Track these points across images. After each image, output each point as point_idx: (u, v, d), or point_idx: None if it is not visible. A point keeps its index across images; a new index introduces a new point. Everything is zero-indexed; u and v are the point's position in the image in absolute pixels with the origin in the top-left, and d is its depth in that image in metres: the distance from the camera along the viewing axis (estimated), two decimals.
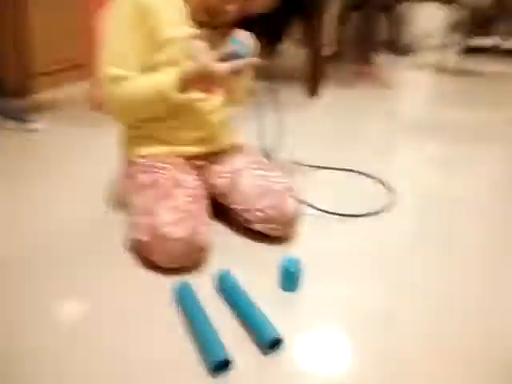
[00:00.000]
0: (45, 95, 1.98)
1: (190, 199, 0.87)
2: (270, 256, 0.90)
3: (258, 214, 0.93)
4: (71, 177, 1.26)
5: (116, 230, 0.98)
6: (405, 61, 3.38)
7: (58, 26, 2.11)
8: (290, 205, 0.93)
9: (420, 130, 1.79)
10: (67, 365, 0.62)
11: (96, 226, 1.00)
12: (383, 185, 1.26)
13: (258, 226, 0.94)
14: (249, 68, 0.89)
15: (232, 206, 0.98)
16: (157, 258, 0.83)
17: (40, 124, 1.52)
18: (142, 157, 0.97)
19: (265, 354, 0.65)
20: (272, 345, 0.66)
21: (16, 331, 0.68)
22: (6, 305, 0.74)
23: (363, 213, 1.09)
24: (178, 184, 0.89)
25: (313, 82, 2.23)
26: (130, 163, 1.00)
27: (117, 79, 0.88)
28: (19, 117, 1.52)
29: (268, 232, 0.94)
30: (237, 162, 1.02)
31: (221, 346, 0.63)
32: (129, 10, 0.88)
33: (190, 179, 0.93)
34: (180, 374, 0.61)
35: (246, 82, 1.05)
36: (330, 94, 2.29)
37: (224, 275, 0.79)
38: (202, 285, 0.80)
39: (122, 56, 0.89)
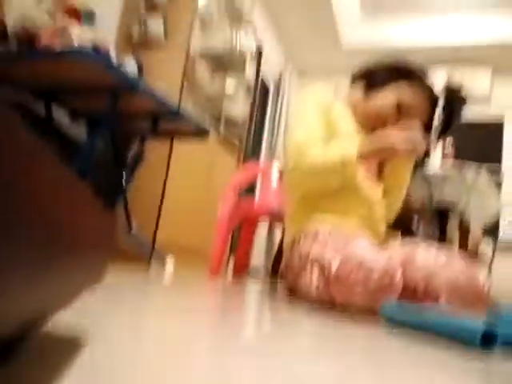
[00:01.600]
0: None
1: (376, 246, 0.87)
2: None
3: (446, 282, 0.83)
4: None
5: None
6: None
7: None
8: (483, 277, 0.85)
9: None
10: None
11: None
12: None
13: (443, 299, 0.84)
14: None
15: (409, 280, 0.87)
16: (348, 295, 0.80)
17: (171, 265, 1.65)
18: (317, 225, 1.02)
19: None
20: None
21: None
22: None
23: None
24: (358, 235, 0.93)
25: None
26: (305, 232, 1.03)
27: (304, 146, 0.97)
28: (158, 255, 1.65)
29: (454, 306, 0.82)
30: (406, 242, 1.01)
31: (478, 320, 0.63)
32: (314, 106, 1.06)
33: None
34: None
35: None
36: None
37: (392, 304, 0.76)
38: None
39: (309, 134, 1.00)
